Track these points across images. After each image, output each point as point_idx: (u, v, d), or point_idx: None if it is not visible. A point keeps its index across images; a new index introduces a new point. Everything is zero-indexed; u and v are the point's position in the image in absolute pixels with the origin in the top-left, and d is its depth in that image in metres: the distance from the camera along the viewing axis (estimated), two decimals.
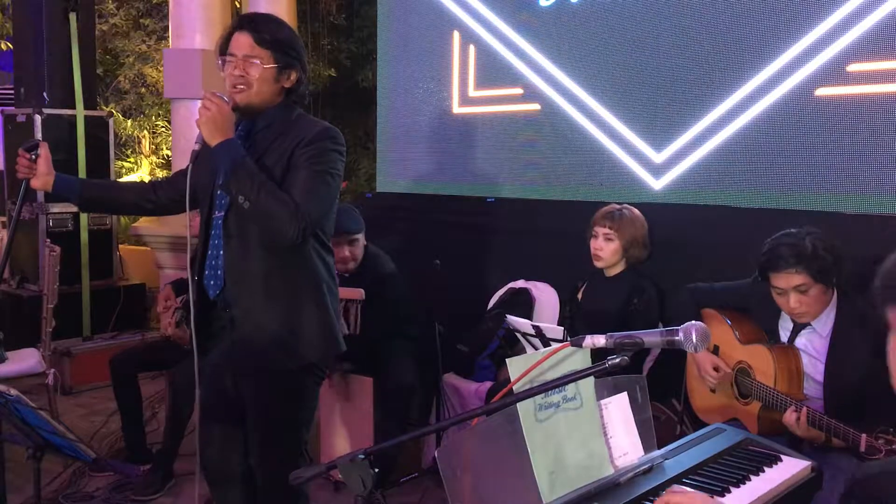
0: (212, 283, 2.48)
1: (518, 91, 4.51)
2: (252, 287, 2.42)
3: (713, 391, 2.94)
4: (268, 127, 2.46)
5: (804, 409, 2.48)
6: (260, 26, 2.43)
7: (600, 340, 1.67)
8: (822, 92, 3.47)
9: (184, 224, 3.46)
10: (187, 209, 2.41)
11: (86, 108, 5.64)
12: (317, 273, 2.47)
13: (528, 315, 3.90)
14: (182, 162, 4.44)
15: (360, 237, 3.90)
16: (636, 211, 3.52)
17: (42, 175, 2.53)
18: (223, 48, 2.44)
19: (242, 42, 2.40)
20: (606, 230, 3.44)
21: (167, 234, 5.86)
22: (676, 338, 1.65)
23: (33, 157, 2.53)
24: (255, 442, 2.52)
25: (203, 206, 2.52)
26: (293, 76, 2.46)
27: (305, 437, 2.64)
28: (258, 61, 2.39)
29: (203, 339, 2.45)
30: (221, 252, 2.45)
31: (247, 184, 2.30)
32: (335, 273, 2.57)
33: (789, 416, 2.51)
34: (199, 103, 2.38)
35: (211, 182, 2.47)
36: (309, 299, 2.45)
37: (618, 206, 3.52)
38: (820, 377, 2.65)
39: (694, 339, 1.64)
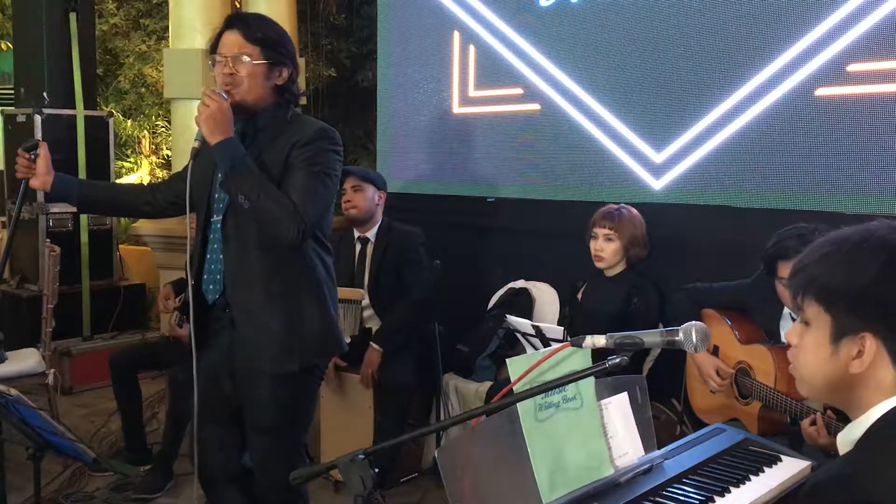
0: (210, 287, 2.47)
1: (518, 91, 4.50)
2: (252, 288, 2.41)
3: (713, 392, 2.94)
4: (264, 128, 2.45)
5: (818, 416, 2.43)
6: (248, 24, 2.42)
7: (600, 340, 1.66)
8: (822, 92, 3.47)
9: (184, 224, 3.46)
10: (187, 209, 2.41)
11: (86, 108, 5.62)
12: (316, 273, 2.47)
13: (528, 315, 3.90)
14: (182, 162, 4.44)
15: (367, 187, 3.93)
16: (634, 210, 3.52)
17: (41, 175, 2.53)
18: (213, 48, 2.44)
19: (231, 40, 2.39)
20: (606, 231, 3.44)
21: (167, 234, 5.86)
22: (676, 338, 1.64)
23: (32, 156, 2.53)
24: (255, 442, 2.52)
25: (200, 211, 2.52)
26: (284, 73, 2.45)
27: (305, 439, 2.63)
28: (247, 58, 2.37)
29: (201, 339, 2.45)
30: (220, 256, 2.45)
31: (247, 183, 2.29)
32: (334, 273, 2.57)
33: (809, 429, 2.45)
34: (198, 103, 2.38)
35: (208, 186, 2.47)
36: (309, 299, 2.45)
37: (615, 206, 3.52)
38: None
39: (694, 339, 1.64)
